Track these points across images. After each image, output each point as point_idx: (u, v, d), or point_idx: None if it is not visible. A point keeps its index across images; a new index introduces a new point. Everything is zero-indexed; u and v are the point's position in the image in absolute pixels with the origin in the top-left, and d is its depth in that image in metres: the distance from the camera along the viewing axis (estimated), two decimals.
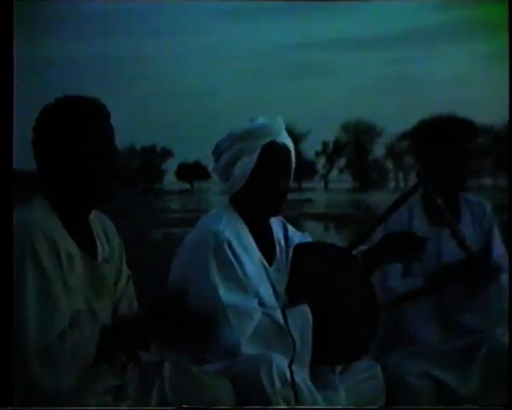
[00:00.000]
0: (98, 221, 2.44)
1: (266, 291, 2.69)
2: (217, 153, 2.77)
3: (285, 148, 2.73)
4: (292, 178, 2.81)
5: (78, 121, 2.25)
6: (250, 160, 2.68)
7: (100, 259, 2.37)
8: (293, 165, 2.78)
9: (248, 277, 2.63)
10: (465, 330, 3.17)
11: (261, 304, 2.64)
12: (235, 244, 2.64)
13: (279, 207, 2.76)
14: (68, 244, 2.25)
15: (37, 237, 2.17)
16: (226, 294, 2.56)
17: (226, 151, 2.72)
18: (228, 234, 2.64)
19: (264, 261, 2.74)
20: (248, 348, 2.54)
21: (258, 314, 2.60)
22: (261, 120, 2.73)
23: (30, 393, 2.12)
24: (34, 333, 2.10)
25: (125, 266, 2.51)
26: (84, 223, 2.36)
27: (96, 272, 2.33)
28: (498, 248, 3.29)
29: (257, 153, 2.67)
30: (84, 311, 2.25)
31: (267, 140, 2.68)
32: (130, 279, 2.53)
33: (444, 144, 3.22)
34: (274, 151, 2.70)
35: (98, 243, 2.39)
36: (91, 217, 2.39)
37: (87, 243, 2.34)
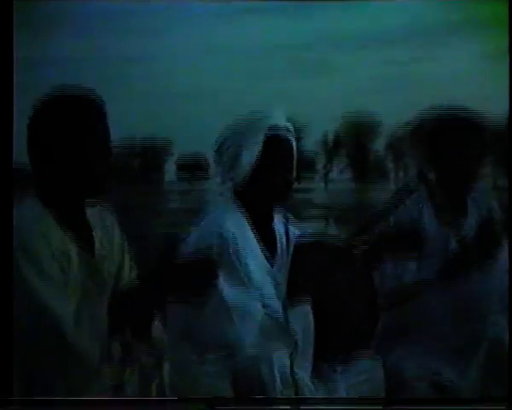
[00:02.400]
0: (97, 215, 2.41)
1: (269, 291, 2.70)
2: (220, 145, 2.77)
3: (288, 137, 2.76)
4: (294, 171, 2.82)
5: (73, 117, 2.23)
6: (257, 141, 2.70)
7: (97, 254, 2.35)
8: (295, 155, 2.80)
9: (251, 277, 2.64)
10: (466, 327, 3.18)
11: (264, 303, 2.65)
12: (238, 244, 2.64)
13: (287, 194, 2.77)
14: (63, 242, 2.24)
15: (31, 238, 2.16)
16: (229, 295, 2.57)
17: (231, 139, 2.73)
18: (232, 234, 2.64)
19: (267, 260, 2.75)
20: (250, 348, 2.55)
21: (260, 314, 2.60)
22: (262, 109, 2.78)
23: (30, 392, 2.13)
24: (38, 333, 2.09)
25: (127, 258, 2.49)
26: (80, 219, 2.34)
27: (93, 268, 2.31)
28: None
29: (262, 135, 2.70)
30: (84, 309, 2.25)
31: (271, 123, 2.71)
32: (133, 270, 2.51)
33: (449, 143, 3.22)
34: (279, 136, 2.72)
35: (96, 237, 2.36)
36: (89, 211, 2.37)
37: (83, 240, 2.31)
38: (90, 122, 2.26)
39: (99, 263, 2.34)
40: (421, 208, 3.26)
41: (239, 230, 2.69)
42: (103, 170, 2.29)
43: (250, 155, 2.69)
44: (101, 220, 2.43)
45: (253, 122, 2.72)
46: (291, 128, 2.78)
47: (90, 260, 2.32)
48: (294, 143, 2.80)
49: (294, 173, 2.80)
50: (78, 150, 2.24)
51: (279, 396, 2.42)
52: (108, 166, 2.31)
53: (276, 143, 2.72)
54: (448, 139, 3.23)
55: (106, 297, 2.34)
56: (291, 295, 2.75)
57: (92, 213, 2.39)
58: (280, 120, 2.75)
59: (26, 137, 2.28)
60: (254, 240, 2.73)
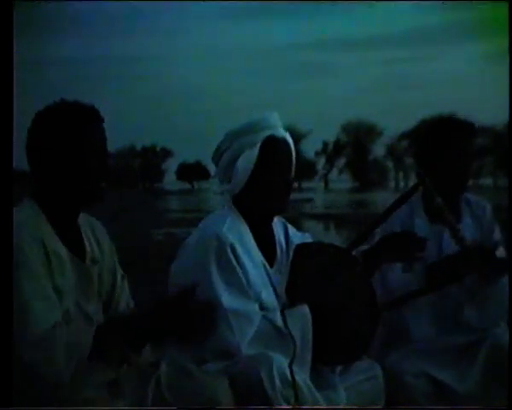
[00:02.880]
0: (87, 223, 2.46)
1: (268, 294, 2.69)
2: (217, 155, 2.76)
3: (285, 141, 2.74)
4: (293, 175, 2.80)
5: (71, 126, 2.28)
6: (252, 153, 2.67)
7: (88, 261, 2.38)
8: (294, 160, 2.78)
9: (250, 280, 2.63)
10: (466, 328, 3.18)
11: (263, 307, 2.64)
12: (238, 248, 2.63)
13: (285, 202, 2.74)
14: (57, 246, 2.27)
15: (25, 238, 2.18)
16: (227, 298, 2.55)
17: (227, 150, 2.71)
18: (231, 237, 2.62)
19: (266, 263, 2.74)
20: (249, 351, 2.54)
21: (258, 318, 2.60)
22: (258, 115, 2.74)
23: (30, 391, 2.13)
24: (30, 329, 2.10)
25: (118, 267, 2.53)
26: (73, 225, 2.38)
27: (84, 273, 2.35)
28: (499, 250, 3.29)
29: (258, 146, 2.67)
30: (75, 312, 2.26)
31: (266, 133, 2.69)
32: (125, 279, 2.55)
33: (443, 145, 3.23)
34: (274, 144, 2.70)
35: (87, 244, 2.40)
36: (80, 219, 2.41)
37: (76, 245, 2.35)
38: (85, 129, 2.29)
39: (89, 268, 2.37)
40: (411, 209, 3.27)
41: (238, 232, 2.68)
42: (98, 174, 2.32)
43: (247, 156, 2.68)
44: (92, 226, 2.46)
45: (251, 127, 2.70)
46: (289, 138, 2.75)
47: (80, 265, 2.34)
48: (292, 144, 2.78)
49: (293, 174, 2.79)
50: (73, 156, 2.28)
51: (279, 397, 2.41)
52: (103, 171, 2.33)
53: (273, 145, 2.70)
54: (441, 142, 3.24)
55: (99, 302, 2.37)
56: (290, 298, 2.74)
57: (83, 219, 2.43)
58: (277, 128, 2.72)
59: (26, 142, 2.31)
60: (254, 242, 2.72)
